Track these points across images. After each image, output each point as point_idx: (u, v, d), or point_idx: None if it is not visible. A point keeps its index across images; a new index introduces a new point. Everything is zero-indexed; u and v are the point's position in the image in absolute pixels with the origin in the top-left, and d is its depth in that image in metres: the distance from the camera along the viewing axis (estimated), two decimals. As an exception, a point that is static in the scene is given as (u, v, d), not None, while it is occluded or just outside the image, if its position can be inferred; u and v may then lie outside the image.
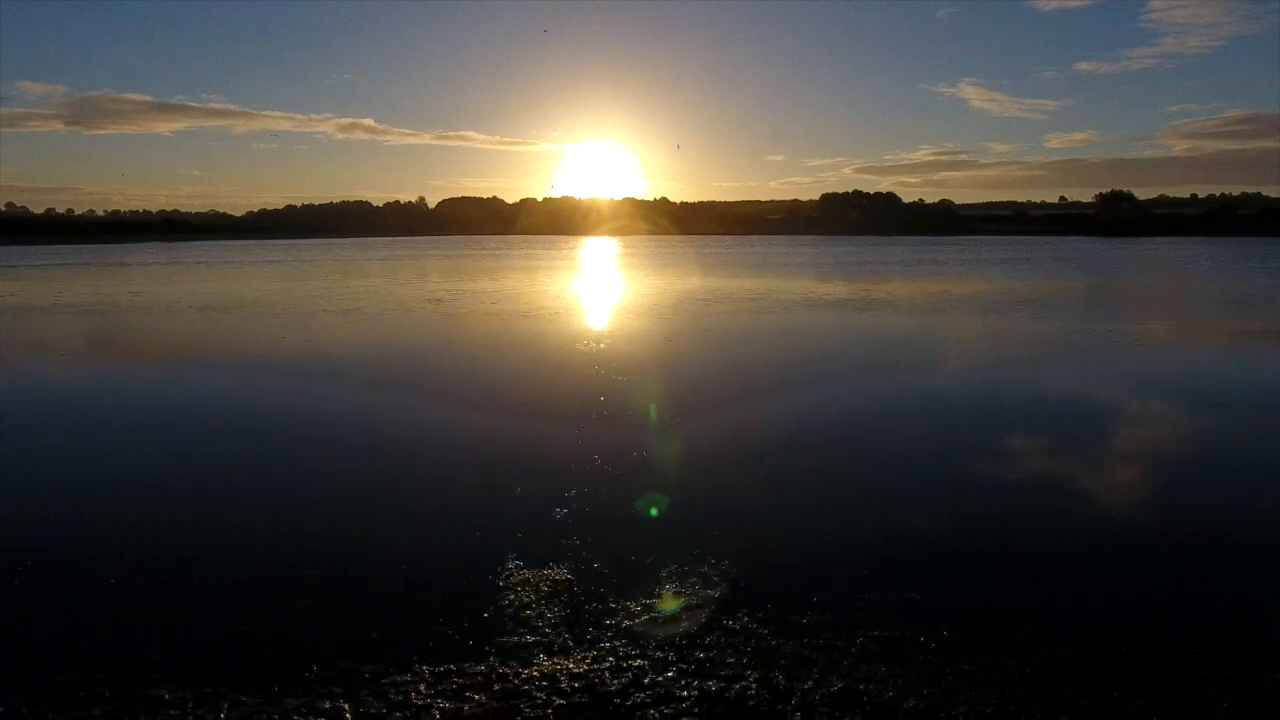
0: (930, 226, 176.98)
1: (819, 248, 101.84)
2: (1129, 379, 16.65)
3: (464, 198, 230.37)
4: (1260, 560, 7.48)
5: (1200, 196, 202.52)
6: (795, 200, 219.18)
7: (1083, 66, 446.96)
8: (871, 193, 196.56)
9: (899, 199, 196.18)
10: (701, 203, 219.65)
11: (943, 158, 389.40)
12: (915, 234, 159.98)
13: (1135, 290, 40.41)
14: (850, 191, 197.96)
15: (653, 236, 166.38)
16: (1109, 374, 17.10)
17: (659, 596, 6.61)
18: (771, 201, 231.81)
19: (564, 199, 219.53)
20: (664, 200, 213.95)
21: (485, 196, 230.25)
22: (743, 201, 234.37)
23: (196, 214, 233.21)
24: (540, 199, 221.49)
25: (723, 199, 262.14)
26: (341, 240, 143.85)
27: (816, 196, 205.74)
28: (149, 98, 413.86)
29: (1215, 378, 17.04)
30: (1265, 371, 18.01)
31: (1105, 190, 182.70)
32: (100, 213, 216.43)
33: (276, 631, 6.09)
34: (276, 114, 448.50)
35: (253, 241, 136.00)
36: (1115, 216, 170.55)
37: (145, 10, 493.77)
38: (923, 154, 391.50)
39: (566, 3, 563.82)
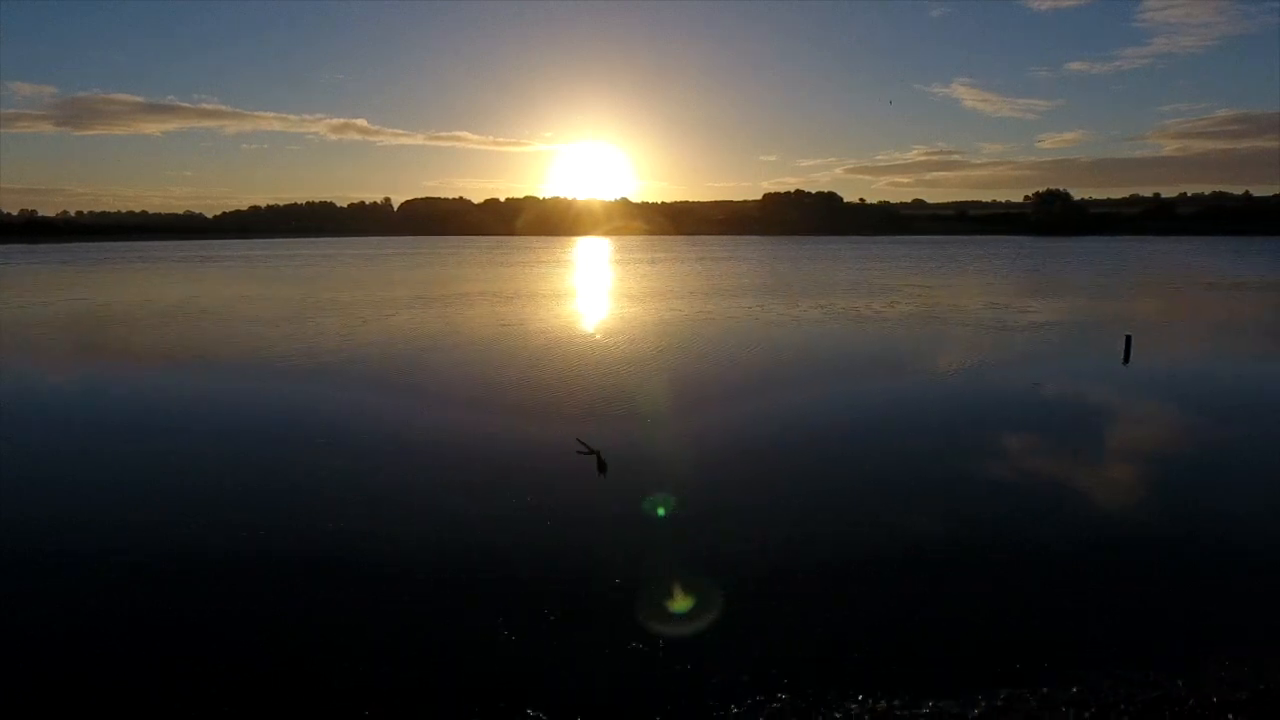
0: (869, 226, 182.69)
1: (716, 248, 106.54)
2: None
3: (428, 198, 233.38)
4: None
5: (1163, 196, 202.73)
6: (741, 201, 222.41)
7: (1075, 66, 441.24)
8: (813, 192, 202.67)
9: (840, 199, 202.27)
10: (662, 204, 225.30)
11: (935, 158, 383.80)
12: (854, 233, 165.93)
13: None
14: (793, 191, 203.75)
15: (614, 237, 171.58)
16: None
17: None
18: (716, 202, 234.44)
19: (526, 198, 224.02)
20: (624, 201, 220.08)
21: (451, 197, 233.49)
22: (710, 203, 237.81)
23: (169, 214, 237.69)
24: (504, 199, 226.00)
25: (705, 199, 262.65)
26: (297, 241, 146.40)
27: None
28: (139, 98, 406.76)
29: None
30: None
31: (1041, 189, 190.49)
32: (73, 213, 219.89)
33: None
34: (268, 114, 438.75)
35: (202, 242, 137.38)
36: (1049, 215, 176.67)
37: (136, 10, 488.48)
38: (915, 154, 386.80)
39: (562, 3, 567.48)
